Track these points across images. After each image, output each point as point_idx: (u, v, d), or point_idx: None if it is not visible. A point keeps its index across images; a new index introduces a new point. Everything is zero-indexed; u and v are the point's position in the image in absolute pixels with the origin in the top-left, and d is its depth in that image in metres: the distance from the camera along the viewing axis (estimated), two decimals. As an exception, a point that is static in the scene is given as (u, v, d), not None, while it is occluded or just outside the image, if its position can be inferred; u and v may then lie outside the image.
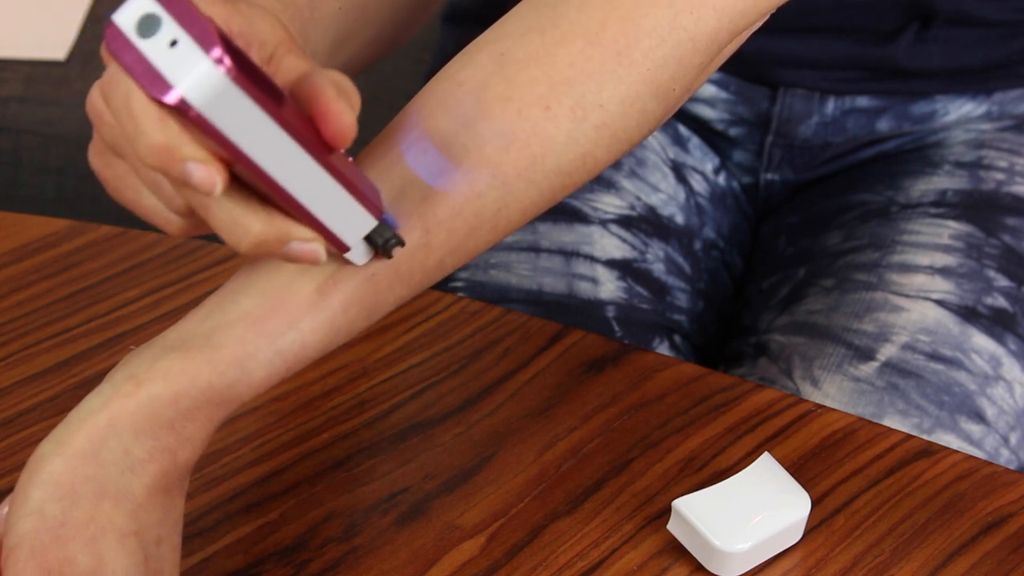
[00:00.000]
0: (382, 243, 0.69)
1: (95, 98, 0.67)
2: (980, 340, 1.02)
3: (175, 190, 0.67)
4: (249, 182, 0.64)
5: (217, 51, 0.58)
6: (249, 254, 0.66)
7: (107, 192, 0.71)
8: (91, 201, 1.57)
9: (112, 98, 0.63)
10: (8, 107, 1.55)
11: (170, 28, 0.59)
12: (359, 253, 0.69)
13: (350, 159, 0.67)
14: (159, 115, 0.61)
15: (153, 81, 0.59)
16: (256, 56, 0.66)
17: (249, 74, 0.60)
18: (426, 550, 0.78)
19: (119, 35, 0.59)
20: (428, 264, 0.72)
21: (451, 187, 0.70)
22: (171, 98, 0.59)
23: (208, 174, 0.62)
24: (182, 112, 0.59)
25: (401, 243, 0.69)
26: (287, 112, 0.62)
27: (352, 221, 0.67)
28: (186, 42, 0.58)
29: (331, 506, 0.81)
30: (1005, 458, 1.00)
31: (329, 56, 0.80)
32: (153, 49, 0.59)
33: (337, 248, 0.68)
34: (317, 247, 0.66)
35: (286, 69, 0.66)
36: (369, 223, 0.68)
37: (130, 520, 0.67)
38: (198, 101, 0.59)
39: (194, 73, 0.58)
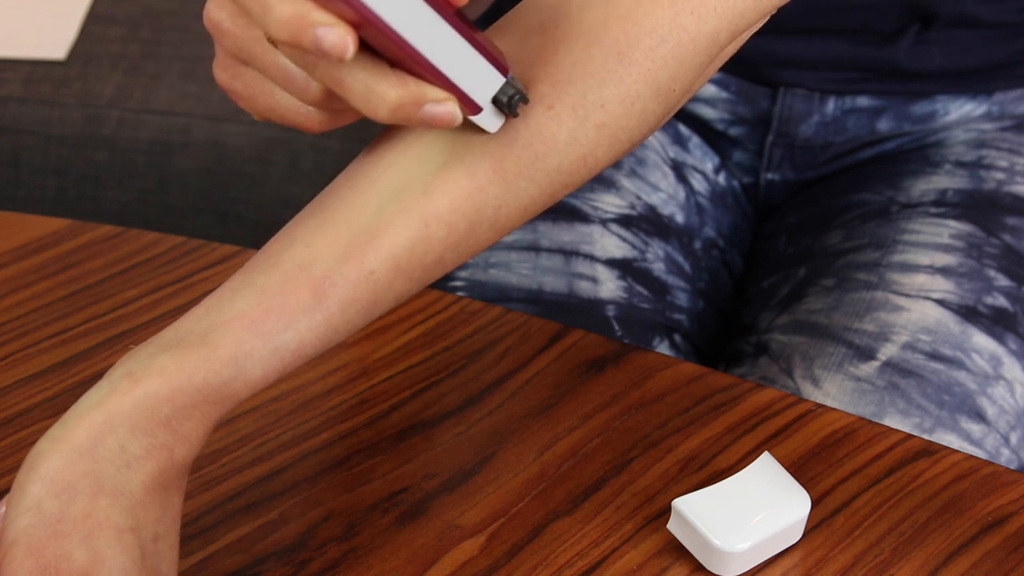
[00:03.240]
0: (507, 100, 0.70)
1: (211, 9, 0.68)
2: (980, 340, 1.02)
3: (308, 73, 0.68)
4: (378, 47, 0.65)
5: None
6: (388, 120, 0.67)
7: (239, 105, 0.72)
8: (91, 201, 1.57)
9: None
10: (8, 107, 1.55)
11: None
12: (489, 116, 0.70)
13: (471, 21, 0.69)
14: None
15: None
16: None
17: None
18: (426, 550, 0.78)
19: None
20: (428, 260, 0.71)
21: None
22: None
23: (339, 36, 0.63)
24: None
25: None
26: None
27: (481, 79, 0.68)
28: None
29: (331, 506, 0.81)
30: (1006, 458, 1.00)
31: None
32: None
33: (469, 109, 0.69)
34: (452, 107, 0.67)
35: None
36: (497, 81, 0.69)
37: (127, 516, 0.67)
38: None
39: None
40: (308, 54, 0.66)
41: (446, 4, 0.66)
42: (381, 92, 0.66)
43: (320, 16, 0.63)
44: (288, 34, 0.63)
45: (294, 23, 0.63)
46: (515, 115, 0.70)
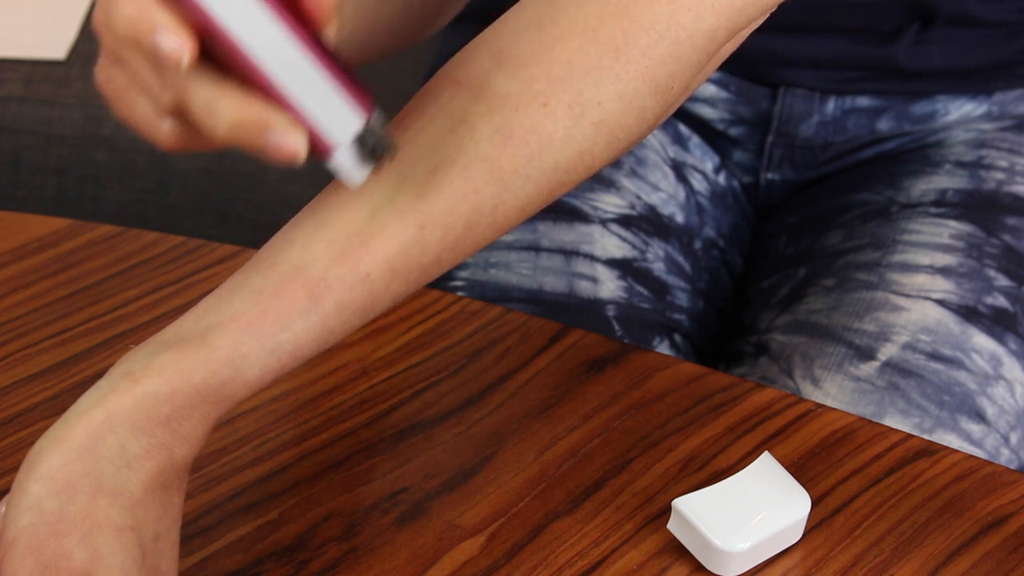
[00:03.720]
0: (371, 148, 0.64)
1: (97, 10, 0.67)
2: (980, 340, 1.02)
3: (158, 81, 0.66)
4: (227, 64, 0.62)
5: None
6: (226, 140, 0.64)
7: (110, 109, 0.70)
8: (91, 201, 1.57)
9: None
10: (8, 107, 1.55)
11: None
12: (346, 160, 0.65)
13: (343, 56, 0.64)
14: None
15: None
16: None
17: None
18: (426, 550, 0.78)
19: None
20: (424, 261, 0.71)
21: None
22: None
23: (176, 42, 0.61)
24: None
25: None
26: None
27: (337, 115, 0.63)
28: None
29: (331, 506, 0.81)
30: (1006, 458, 1.00)
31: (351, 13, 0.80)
32: None
33: (320, 151, 0.64)
34: (298, 139, 0.63)
35: None
36: (356, 121, 0.64)
37: (127, 516, 0.67)
38: None
39: None
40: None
41: (303, 29, 0.62)
42: (221, 108, 0.63)
43: (162, 18, 0.61)
44: (129, 32, 0.62)
45: (135, 22, 0.62)
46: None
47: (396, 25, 0.87)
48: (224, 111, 0.63)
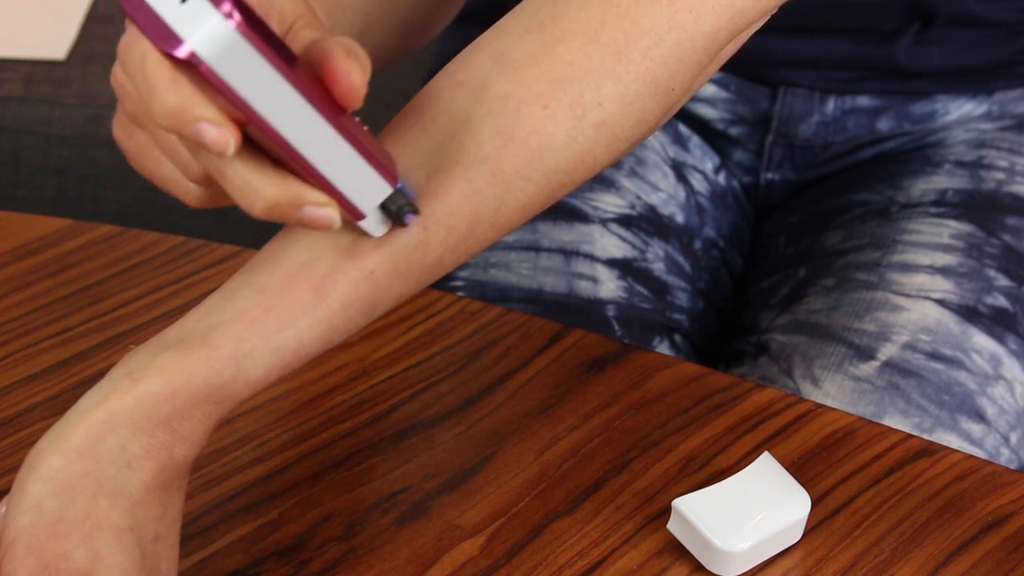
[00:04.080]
0: (395, 210, 0.69)
1: (117, 69, 0.67)
2: (980, 340, 1.02)
3: (191, 155, 0.67)
4: (263, 145, 0.64)
5: (227, 6, 0.59)
6: (263, 217, 0.66)
7: (129, 163, 0.71)
8: (91, 201, 1.57)
9: (128, 62, 0.64)
10: (8, 107, 1.55)
11: None
12: (374, 221, 0.69)
13: (366, 128, 0.67)
14: (172, 75, 0.62)
15: (165, 36, 0.59)
16: (275, 29, 0.67)
17: (261, 32, 0.60)
18: (426, 550, 0.78)
19: None
20: (427, 261, 0.72)
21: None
22: (182, 52, 0.59)
23: (221, 135, 0.62)
24: (193, 67, 0.59)
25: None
26: (300, 73, 0.62)
27: (366, 187, 0.67)
28: None
29: (331, 506, 0.81)
30: (1005, 457, 1.00)
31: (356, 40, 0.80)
32: (164, 5, 0.60)
33: (351, 216, 0.68)
34: (331, 212, 0.66)
35: (303, 39, 0.66)
36: (384, 190, 0.68)
37: (127, 516, 0.67)
38: (208, 54, 0.59)
39: (205, 27, 0.59)
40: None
41: (334, 109, 0.64)
42: (259, 188, 0.65)
43: (204, 111, 0.62)
44: (171, 124, 0.62)
45: (177, 114, 0.62)
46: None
47: (397, 30, 0.88)
48: (261, 192, 0.65)
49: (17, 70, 1.57)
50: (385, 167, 0.67)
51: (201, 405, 0.68)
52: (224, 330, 0.69)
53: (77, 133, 1.55)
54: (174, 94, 0.62)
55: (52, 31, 1.61)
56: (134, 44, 0.63)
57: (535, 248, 1.05)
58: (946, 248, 1.06)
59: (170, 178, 0.71)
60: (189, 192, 0.71)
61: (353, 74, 0.63)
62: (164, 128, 0.63)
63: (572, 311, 1.03)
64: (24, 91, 1.55)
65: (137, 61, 0.63)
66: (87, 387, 0.69)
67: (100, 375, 0.69)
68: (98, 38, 1.61)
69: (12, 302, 0.93)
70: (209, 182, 0.69)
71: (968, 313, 1.02)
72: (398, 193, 0.68)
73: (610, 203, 1.08)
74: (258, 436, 0.85)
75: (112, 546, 0.67)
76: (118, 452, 0.67)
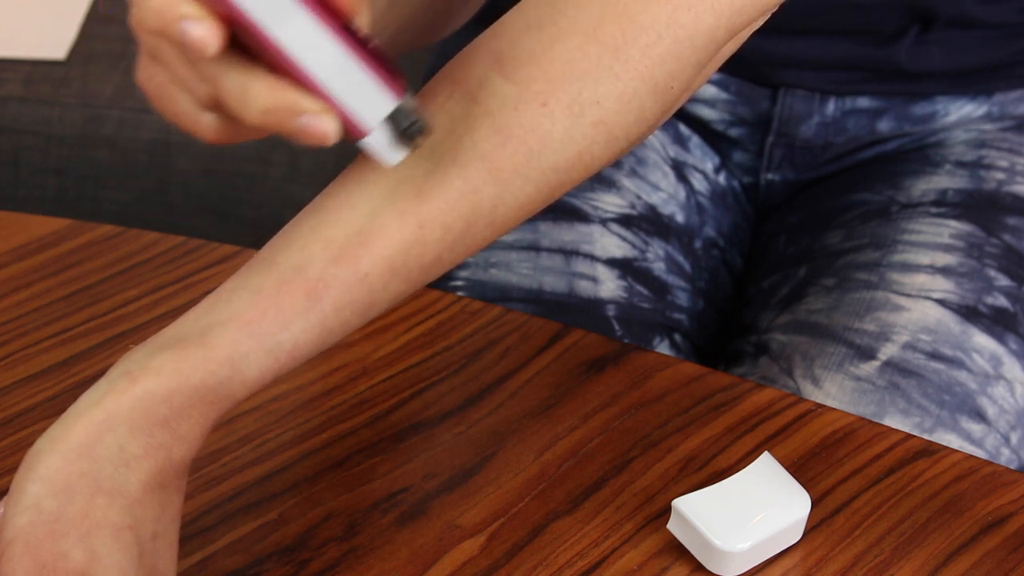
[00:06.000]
0: (403, 128, 0.65)
1: (133, 9, 0.67)
2: (981, 339, 1.02)
3: (194, 66, 0.66)
4: (255, 51, 0.63)
5: None
6: (259, 124, 0.65)
7: (153, 107, 0.71)
8: (91, 201, 1.57)
9: None
10: (8, 107, 1.55)
11: None
12: (380, 140, 0.66)
13: (374, 40, 0.65)
14: None
15: None
16: None
17: None
18: (426, 550, 0.78)
19: None
20: (424, 261, 0.71)
21: None
22: None
23: (203, 31, 0.62)
24: None
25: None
26: None
27: (367, 98, 0.64)
28: None
29: (331, 506, 0.81)
30: (1006, 457, 1.00)
31: (387, 9, 0.80)
32: None
33: (354, 134, 0.65)
34: (329, 122, 0.64)
35: None
36: (388, 103, 0.65)
37: (125, 515, 0.67)
38: None
39: None
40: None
41: (332, 12, 0.62)
42: (254, 93, 0.64)
43: (188, 8, 0.62)
44: (156, 24, 0.63)
45: (161, 13, 0.62)
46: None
47: (416, 23, 0.87)
48: (256, 98, 0.64)
49: (17, 70, 1.57)
50: (391, 77, 0.64)
51: (198, 405, 0.68)
52: (220, 331, 0.69)
53: (77, 133, 1.55)
54: None
55: (52, 31, 1.61)
56: None
57: (535, 248, 1.05)
58: (946, 248, 1.06)
59: (186, 111, 0.69)
60: (201, 124, 0.69)
61: None
62: (152, 31, 0.63)
63: (572, 311, 1.03)
64: (24, 91, 1.55)
65: None
66: (87, 387, 0.69)
67: (100, 375, 0.69)
68: (98, 38, 1.61)
69: (12, 302, 0.93)
70: (218, 106, 0.68)
71: (968, 313, 1.02)
72: (405, 108, 0.65)
73: (610, 203, 1.08)
74: (258, 436, 0.85)
75: (110, 545, 0.67)
76: (116, 452, 0.67)
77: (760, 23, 0.79)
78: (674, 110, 0.77)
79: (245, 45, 0.63)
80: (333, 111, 0.64)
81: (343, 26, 0.63)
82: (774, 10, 0.78)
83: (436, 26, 0.90)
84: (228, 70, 0.64)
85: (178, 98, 0.69)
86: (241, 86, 0.64)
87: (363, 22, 0.65)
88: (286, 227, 0.72)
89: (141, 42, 0.68)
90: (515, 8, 0.75)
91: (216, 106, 0.68)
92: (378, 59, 0.64)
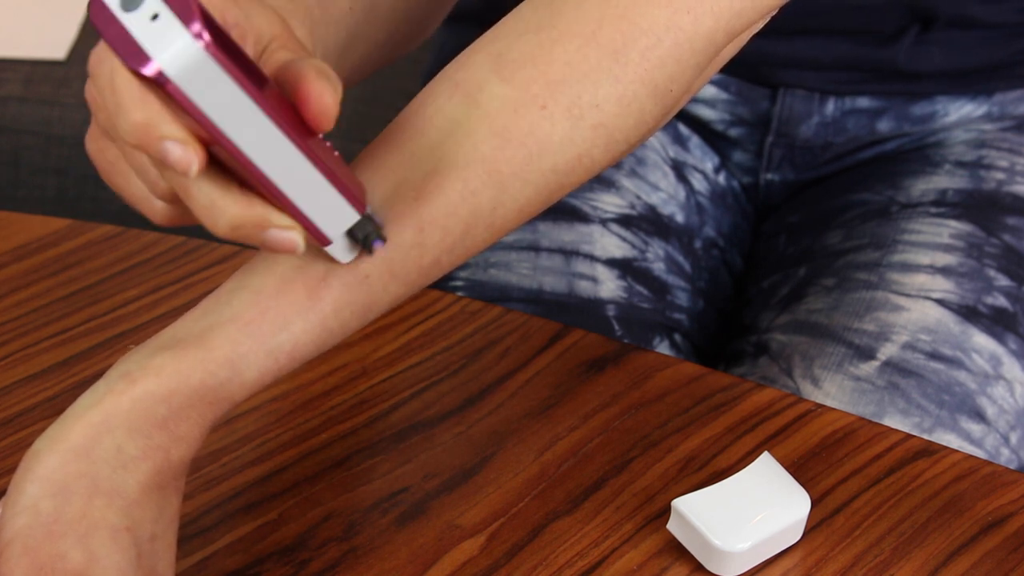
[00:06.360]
0: (363, 237, 0.68)
1: (89, 85, 0.67)
2: (980, 339, 1.02)
3: (159, 169, 0.67)
4: (230, 166, 0.64)
5: (196, 26, 0.58)
6: (227, 237, 0.66)
7: (100, 176, 0.71)
8: (91, 201, 1.57)
9: (98, 76, 0.64)
10: (8, 107, 1.55)
11: (152, 2, 0.59)
12: (341, 248, 0.69)
13: (337, 153, 0.67)
14: (140, 92, 0.62)
15: (133, 53, 0.59)
16: (250, 49, 0.66)
17: (230, 53, 0.60)
18: (426, 550, 0.78)
19: (103, 9, 0.60)
20: (424, 263, 0.71)
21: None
22: (149, 70, 0.59)
23: (185, 153, 0.62)
24: (160, 85, 0.59)
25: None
26: (269, 96, 0.62)
27: (333, 213, 0.67)
28: (167, 16, 0.59)
29: (331, 506, 0.81)
30: (1005, 457, 1.00)
31: (340, 56, 0.80)
32: (134, 22, 0.59)
33: (318, 241, 0.67)
34: (295, 236, 0.66)
35: (276, 60, 0.66)
36: (351, 217, 0.67)
37: (123, 516, 0.67)
38: (175, 73, 0.59)
39: (173, 46, 0.59)
40: None
41: (303, 133, 0.64)
42: (223, 207, 0.64)
43: (170, 130, 0.61)
44: (137, 140, 0.62)
45: (143, 131, 0.62)
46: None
47: (383, 42, 0.87)
48: (225, 211, 0.64)
49: (17, 70, 1.57)
50: (353, 193, 0.67)
51: (197, 406, 0.68)
52: (219, 332, 0.69)
53: (77, 133, 1.55)
54: (141, 111, 0.62)
55: (52, 31, 1.61)
56: (104, 59, 0.63)
57: (535, 248, 1.05)
58: (946, 248, 1.06)
59: (138, 195, 0.71)
60: (156, 210, 0.70)
61: (325, 96, 0.63)
62: (130, 144, 0.63)
63: (572, 311, 1.03)
64: (24, 91, 1.55)
65: (107, 76, 0.63)
66: (87, 387, 0.69)
67: (100, 375, 0.69)
68: (98, 38, 1.61)
69: (12, 302, 0.93)
70: (176, 200, 0.69)
71: (968, 313, 1.02)
72: (366, 220, 0.68)
73: (610, 203, 1.08)
74: (258, 436, 0.85)
75: (108, 546, 0.67)
76: (114, 453, 0.67)
77: (760, 26, 0.79)
78: (674, 112, 0.77)
79: (216, 156, 0.63)
80: (300, 225, 0.66)
81: (314, 144, 0.65)
82: (773, 12, 0.78)
83: (401, 46, 0.90)
84: (199, 182, 0.64)
85: (131, 179, 0.70)
86: (211, 200, 0.64)
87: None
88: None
89: (96, 118, 0.68)
90: (514, 11, 0.75)
91: (172, 199, 0.68)
92: (343, 173, 0.67)
